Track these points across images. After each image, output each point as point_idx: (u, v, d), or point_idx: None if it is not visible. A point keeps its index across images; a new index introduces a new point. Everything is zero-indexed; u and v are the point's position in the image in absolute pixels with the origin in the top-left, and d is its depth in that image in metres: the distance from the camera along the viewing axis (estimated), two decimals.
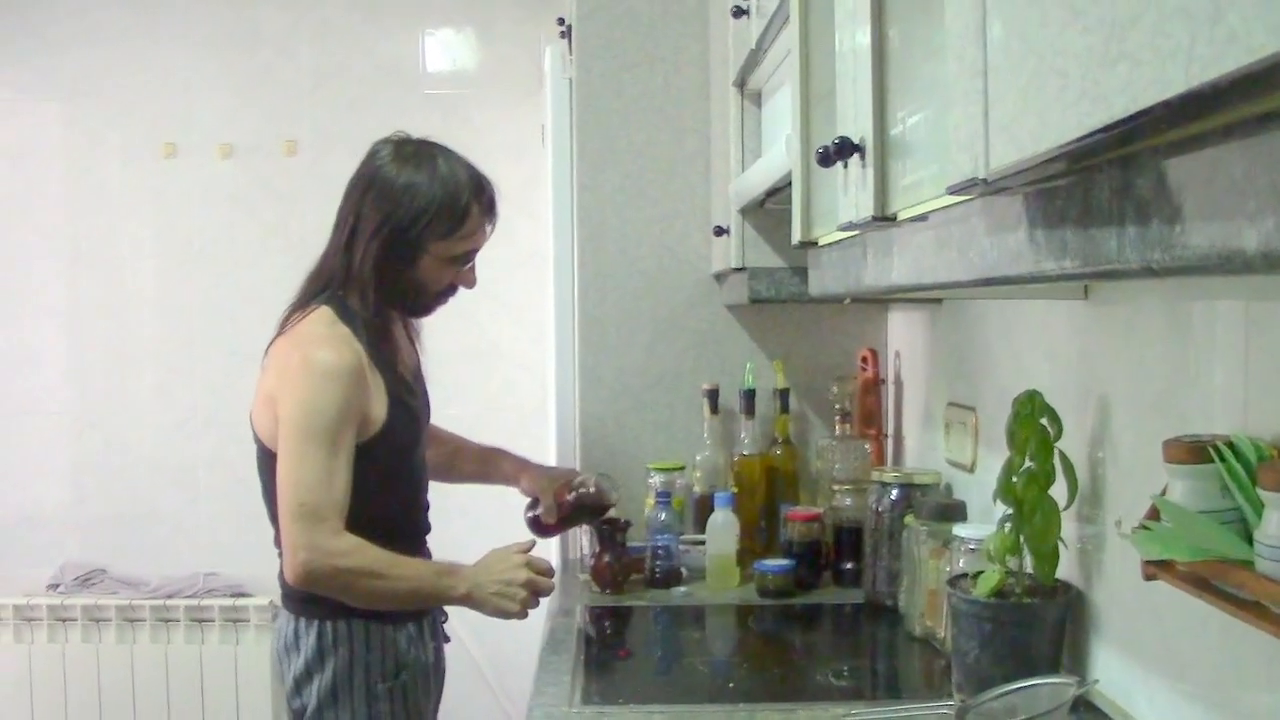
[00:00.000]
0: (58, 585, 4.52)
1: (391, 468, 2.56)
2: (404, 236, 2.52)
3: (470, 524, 3.25)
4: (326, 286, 2.58)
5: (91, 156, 4.59)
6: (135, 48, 4.57)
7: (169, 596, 4.44)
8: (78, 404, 4.63)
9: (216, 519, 4.60)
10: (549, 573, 2.60)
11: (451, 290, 2.65)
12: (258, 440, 2.55)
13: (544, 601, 2.84)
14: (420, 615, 2.61)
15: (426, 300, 2.63)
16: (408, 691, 2.56)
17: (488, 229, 2.63)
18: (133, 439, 4.63)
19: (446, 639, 2.80)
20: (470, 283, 2.67)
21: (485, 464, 3.03)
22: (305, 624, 2.53)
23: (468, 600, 2.52)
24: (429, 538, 2.72)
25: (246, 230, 4.59)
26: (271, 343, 2.58)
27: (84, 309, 4.62)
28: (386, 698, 2.52)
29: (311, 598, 2.49)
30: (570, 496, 2.90)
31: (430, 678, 2.67)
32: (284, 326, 2.58)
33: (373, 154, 2.64)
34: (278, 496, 2.42)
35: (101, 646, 4.43)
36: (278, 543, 2.50)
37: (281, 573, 2.52)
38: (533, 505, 2.93)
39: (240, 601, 4.44)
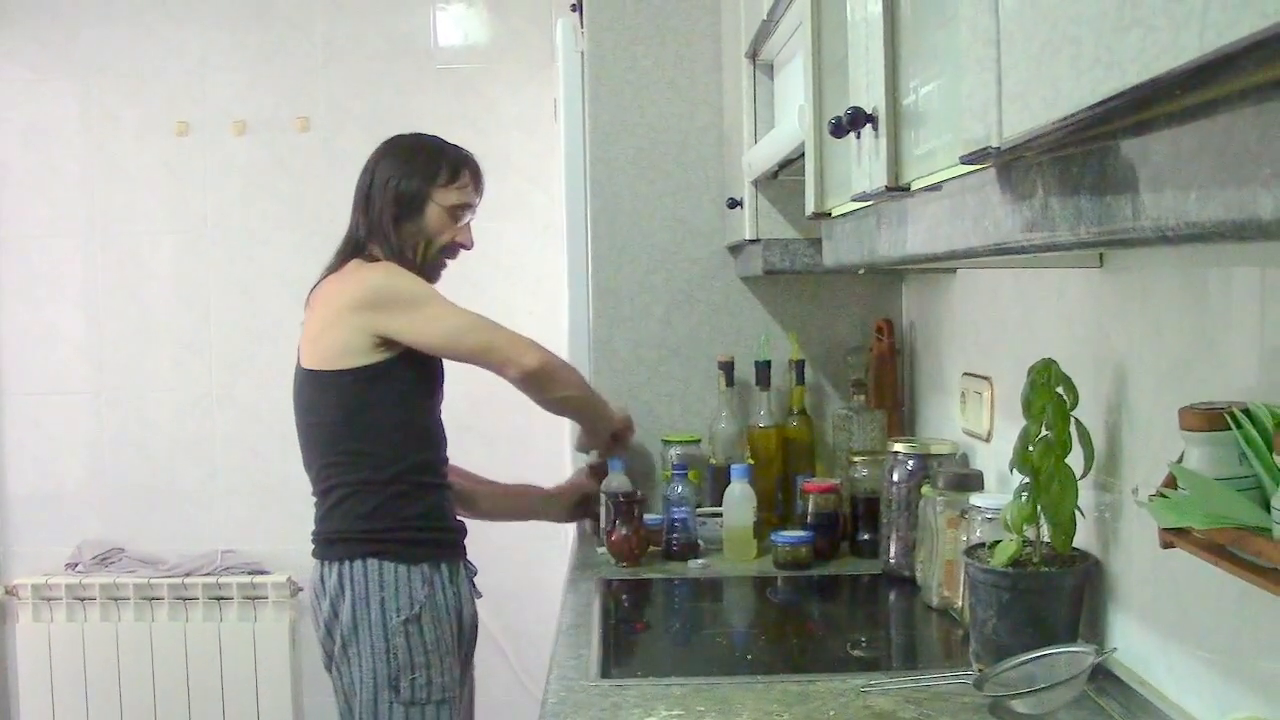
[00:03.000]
0: (76, 564, 4.54)
1: (432, 383, 2.89)
2: (411, 185, 2.87)
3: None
4: (354, 249, 2.90)
5: (107, 134, 4.59)
6: (149, 26, 4.56)
7: (187, 575, 4.46)
8: (95, 382, 4.64)
9: (234, 496, 4.62)
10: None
11: (452, 251, 2.95)
12: (310, 373, 2.84)
13: (561, 574, 2.97)
14: (443, 559, 2.81)
15: (432, 255, 2.91)
16: (424, 630, 2.73)
17: (478, 194, 2.98)
18: (150, 417, 4.64)
19: (478, 594, 2.97)
20: (468, 241, 2.96)
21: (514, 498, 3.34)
22: (328, 567, 2.77)
23: (604, 415, 3.07)
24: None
25: (261, 206, 4.60)
26: (311, 293, 2.93)
27: (101, 287, 4.63)
28: (402, 632, 2.71)
29: (330, 540, 2.78)
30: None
31: (458, 622, 2.84)
32: (312, 294, 2.92)
33: (378, 147, 3.01)
34: (447, 345, 2.79)
35: (120, 625, 4.44)
36: (312, 467, 2.87)
37: (314, 528, 2.83)
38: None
39: (258, 579, 4.45)
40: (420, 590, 2.74)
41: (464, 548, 2.92)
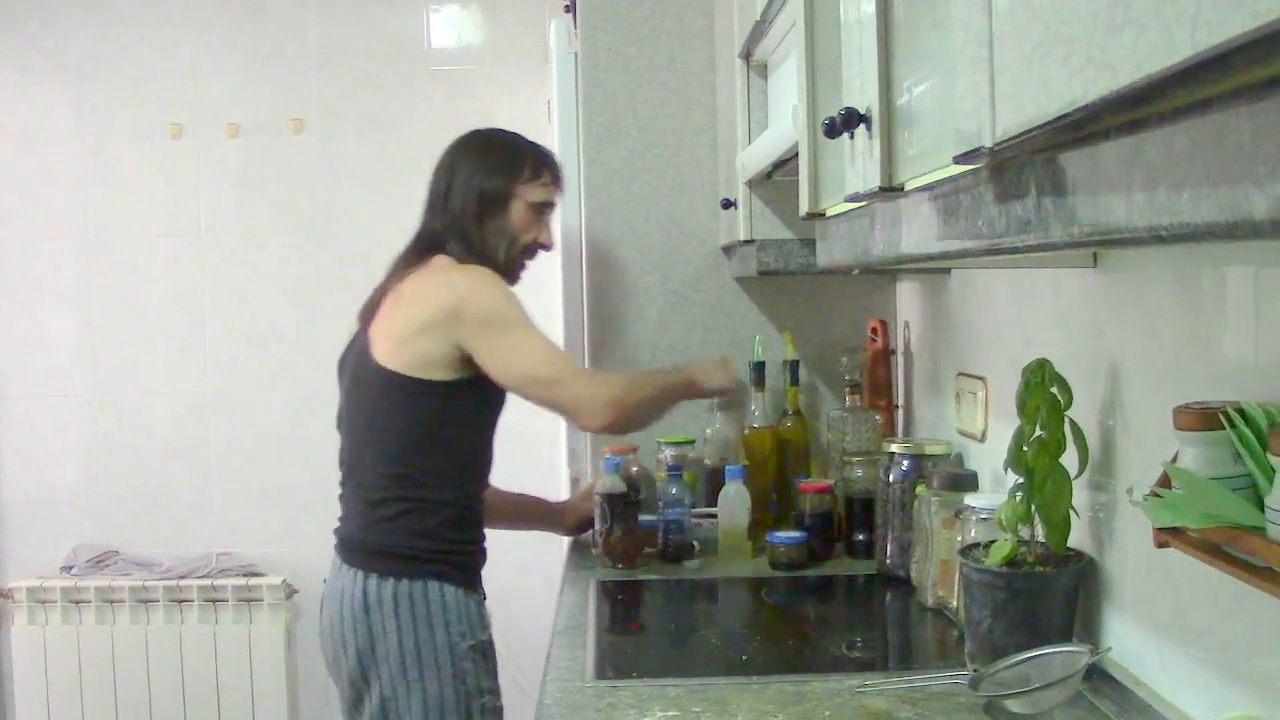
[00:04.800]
0: (71, 567, 4.53)
1: (500, 405, 2.78)
2: (496, 179, 2.78)
3: None
4: (431, 245, 2.78)
5: (100, 138, 4.58)
6: (142, 29, 4.55)
7: (182, 577, 4.45)
8: (89, 385, 4.64)
9: (229, 499, 4.62)
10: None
11: (532, 251, 2.86)
12: (389, 373, 2.65)
13: (556, 576, 2.94)
14: (479, 584, 2.75)
15: (515, 254, 2.82)
16: (486, 653, 2.66)
17: (560, 192, 2.92)
18: (145, 420, 4.63)
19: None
20: (549, 241, 2.88)
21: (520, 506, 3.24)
22: (378, 582, 2.61)
23: (694, 381, 2.88)
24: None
25: (255, 209, 4.59)
26: (392, 286, 2.73)
27: (95, 291, 4.62)
28: (468, 658, 2.61)
29: (388, 555, 2.62)
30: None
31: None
32: (390, 283, 2.75)
33: (454, 142, 2.89)
34: (523, 383, 2.65)
35: (115, 628, 4.44)
36: (351, 483, 2.73)
37: (349, 531, 2.69)
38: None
39: (253, 581, 4.45)
40: (477, 615, 2.66)
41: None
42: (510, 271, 2.82)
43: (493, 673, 2.67)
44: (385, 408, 2.67)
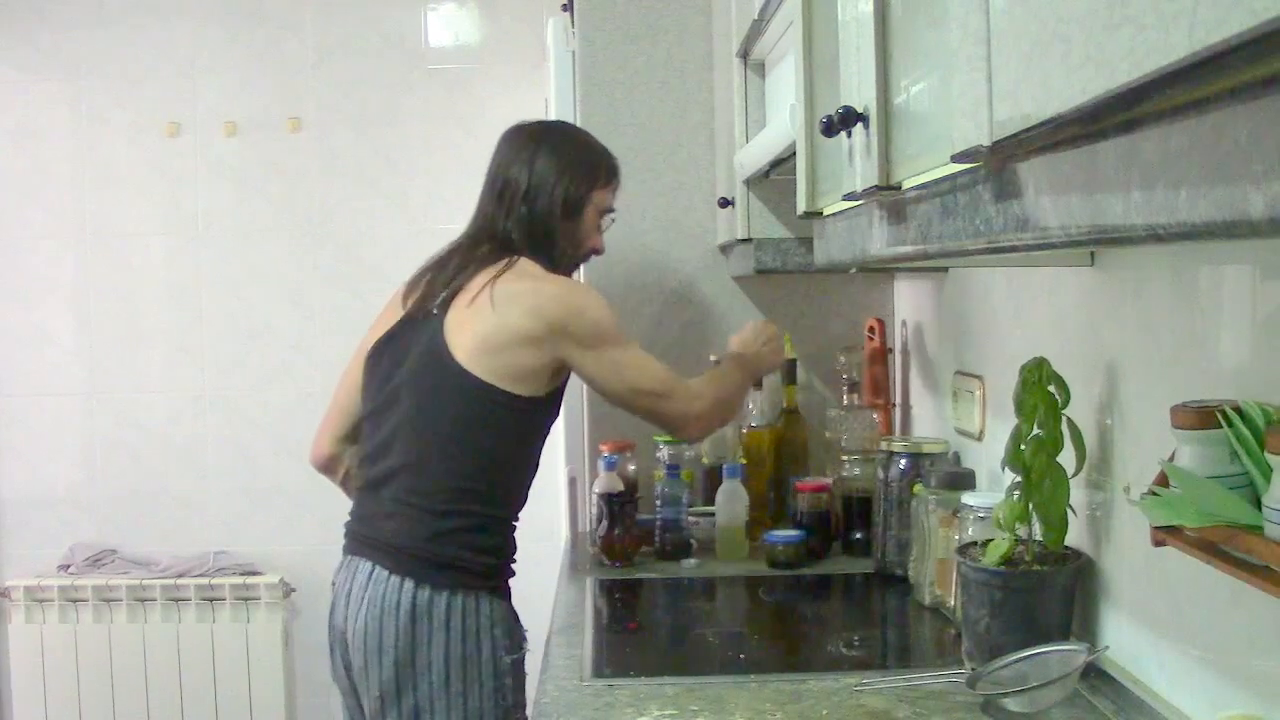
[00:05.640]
0: (68, 566, 4.53)
1: (551, 421, 2.69)
2: (580, 184, 2.70)
3: None
4: (505, 246, 2.65)
5: (97, 135, 4.58)
6: (139, 26, 4.55)
7: (179, 576, 4.45)
8: (86, 384, 4.64)
9: (226, 498, 4.62)
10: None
11: (587, 256, 2.82)
12: (477, 382, 2.50)
13: (554, 574, 2.93)
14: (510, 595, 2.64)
15: (577, 260, 2.80)
16: (523, 666, 2.57)
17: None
18: (142, 418, 4.63)
19: None
20: (601, 247, 2.81)
21: None
22: (432, 592, 2.47)
23: (761, 366, 2.97)
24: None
25: (253, 207, 4.59)
26: (453, 288, 2.58)
27: (92, 288, 4.62)
28: (511, 671, 2.52)
29: (445, 566, 2.48)
30: None
31: None
32: (465, 278, 2.59)
33: (516, 129, 2.78)
34: (631, 397, 2.64)
35: (113, 627, 4.44)
36: (401, 486, 2.54)
37: (395, 538, 2.51)
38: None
39: (251, 580, 4.45)
40: (520, 630, 2.58)
41: None
42: (566, 274, 2.75)
43: (524, 688, 2.59)
44: (467, 417, 2.53)
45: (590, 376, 2.59)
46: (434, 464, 2.52)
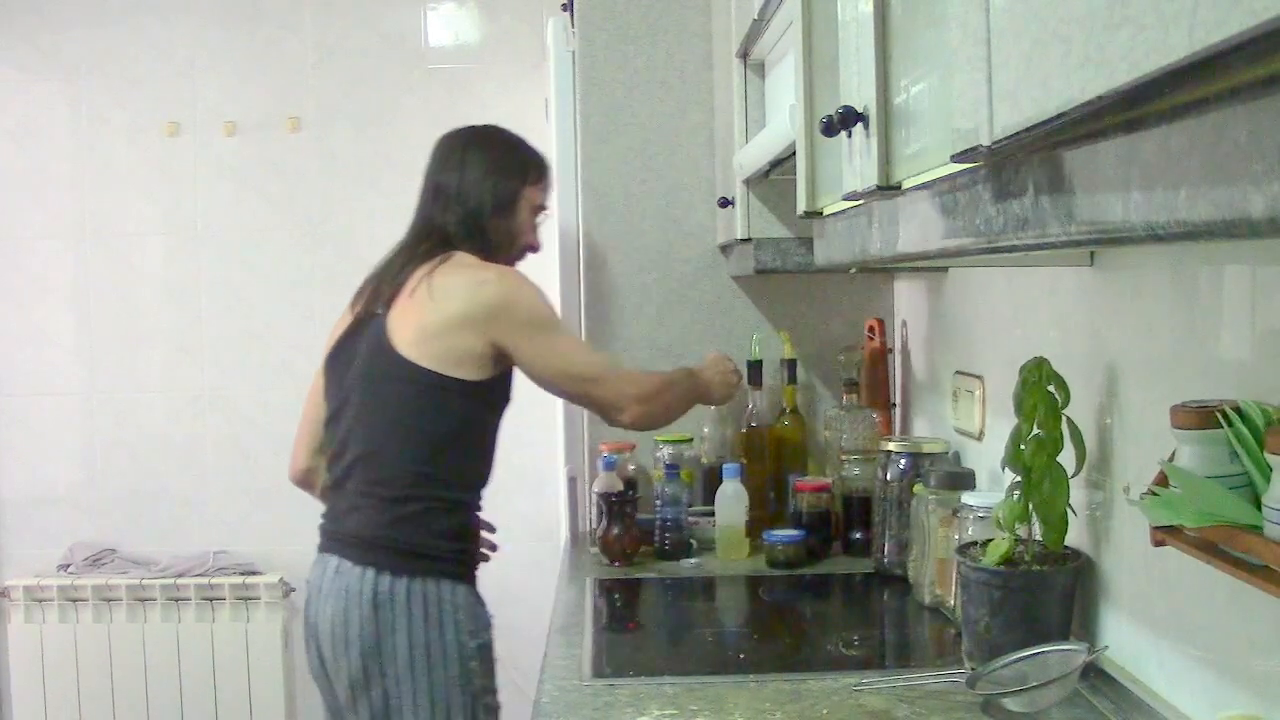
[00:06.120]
0: (68, 565, 4.53)
1: (508, 403, 2.75)
2: (510, 180, 2.80)
3: None
4: (444, 241, 2.75)
5: (97, 135, 4.58)
6: (138, 25, 4.55)
7: (179, 576, 4.45)
8: (86, 384, 4.63)
9: (226, 497, 4.61)
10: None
11: (522, 252, 2.88)
12: (418, 369, 2.59)
13: (554, 574, 2.93)
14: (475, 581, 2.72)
15: (514, 255, 2.85)
16: (490, 651, 2.64)
17: (550, 196, 2.94)
18: (141, 418, 4.63)
19: None
20: (538, 244, 2.91)
21: None
22: (392, 579, 2.55)
23: (706, 393, 2.96)
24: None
25: (252, 207, 4.59)
26: (416, 280, 2.66)
27: (91, 288, 4.62)
28: (477, 656, 2.59)
29: (406, 553, 2.57)
30: None
31: None
32: (405, 275, 2.69)
33: (446, 135, 2.91)
34: (563, 381, 2.72)
35: (113, 626, 4.43)
36: (359, 478, 2.64)
37: (356, 528, 2.61)
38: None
39: (250, 579, 4.45)
40: (484, 614, 2.65)
41: None
42: None
43: (493, 673, 2.65)
44: (414, 404, 2.61)
45: (524, 361, 2.65)
46: (388, 452, 2.62)
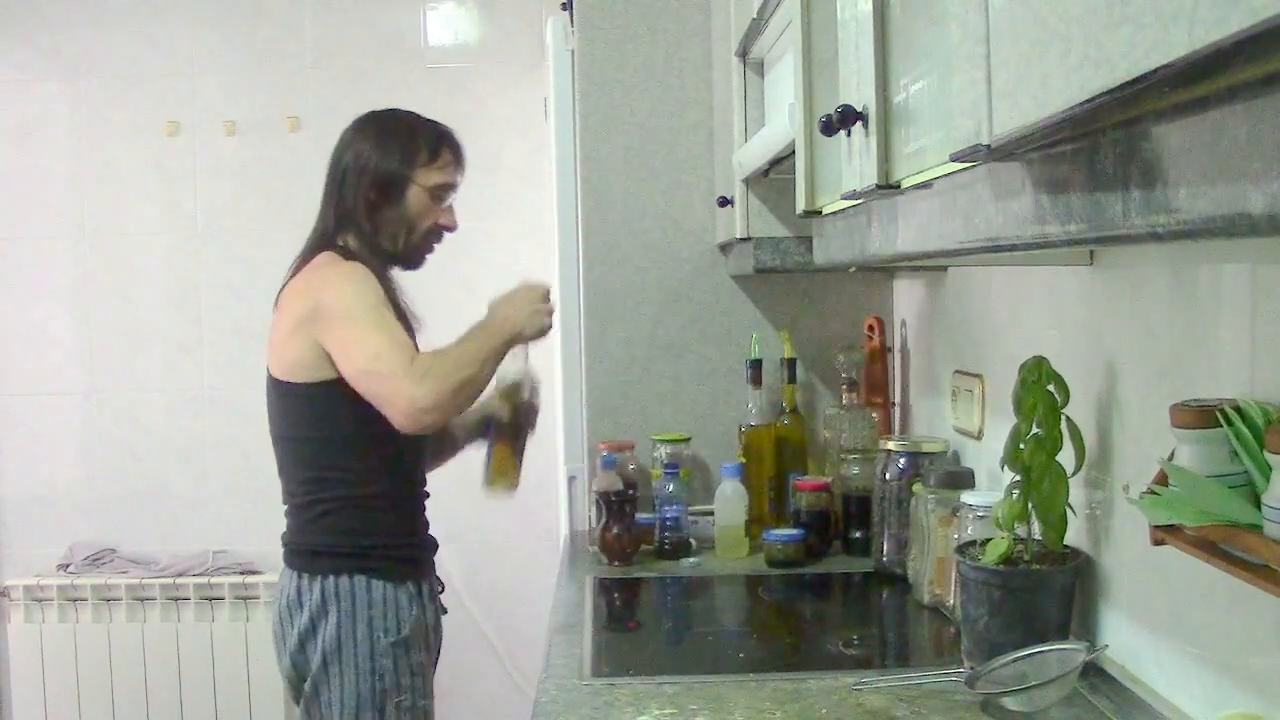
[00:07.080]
0: (68, 565, 4.53)
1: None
2: (390, 167, 2.67)
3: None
4: (323, 239, 2.71)
5: (96, 135, 4.58)
6: (138, 26, 4.55)
7: (179, 575, 4.45)
8: (85, 383, 4.64)
9: (225, 497, 4.61)
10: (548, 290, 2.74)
11: (436, 234, 2.76)
12: (277, 382, 2.65)
13: (553, 573, 2.92)
14: (419, 577, 2.71)
15: (415, 242, 2.73)
16: (410, 649, 2.63)
17: (460, 172, 2.78)
18: (141, 417, 4.63)
19: (443, 610, 2.86)
20: (452, 223, 2.76)
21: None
22: (309, 580, 2.63)
23: (515, 334, 2.61)
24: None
25: (251, 207, 4.59)
26: (280, 291, 2.70)
27: (91, 288, 4.62)
28: (389, 654, 2.60)
29: (315, 554, 2.64)
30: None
31: (430, 639, 2.75)
32: (290, 279, 2.71)
33: (349, 125, 2.78)
34: (356, 377, 2.51)
35: (112, 626, 4.43)
36: (282, 490, 2.73)
37: (286, 535, 2.71)
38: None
39: (250, 579, 4.45)
40: (408, 610, 2.63)
41: (433, 564, 2.81)
42: (412, 259, 2.75)
43: (416, 670, 2.64)
44: (286, 415, 2.67)
45: (334, 359, 2.54)
46: (285, 465, 2.71)
